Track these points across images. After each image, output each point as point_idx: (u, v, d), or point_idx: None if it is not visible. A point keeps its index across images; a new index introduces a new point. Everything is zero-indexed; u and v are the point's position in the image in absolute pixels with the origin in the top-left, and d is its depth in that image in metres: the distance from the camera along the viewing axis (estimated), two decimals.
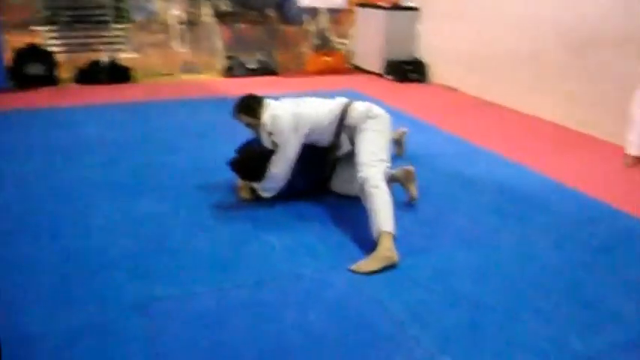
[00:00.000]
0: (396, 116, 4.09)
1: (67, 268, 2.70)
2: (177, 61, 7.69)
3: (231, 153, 3.56)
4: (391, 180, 3.45)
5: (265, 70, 7.79)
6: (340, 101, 3.55)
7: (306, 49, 8.34)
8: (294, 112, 3.42)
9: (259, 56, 7.85)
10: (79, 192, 3.60)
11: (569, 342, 2.27)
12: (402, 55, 7.75)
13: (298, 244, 3.03)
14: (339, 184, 3.67)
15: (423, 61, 7.68)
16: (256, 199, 3.54)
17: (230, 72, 7.61)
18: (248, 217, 3.33)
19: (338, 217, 3.37)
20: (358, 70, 8.38)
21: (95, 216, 3.26)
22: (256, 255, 2.90)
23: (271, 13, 8.13)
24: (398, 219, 2.98)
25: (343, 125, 3.44)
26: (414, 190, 3.61)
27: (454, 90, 7.15)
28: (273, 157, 3.42)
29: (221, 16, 7.87)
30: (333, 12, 8.42)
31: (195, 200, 3.55)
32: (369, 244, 2.92)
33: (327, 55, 8.27)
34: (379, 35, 7.76)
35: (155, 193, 3.62)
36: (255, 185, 3.54)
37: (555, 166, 4.40)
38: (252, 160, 3.55)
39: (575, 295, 2.62)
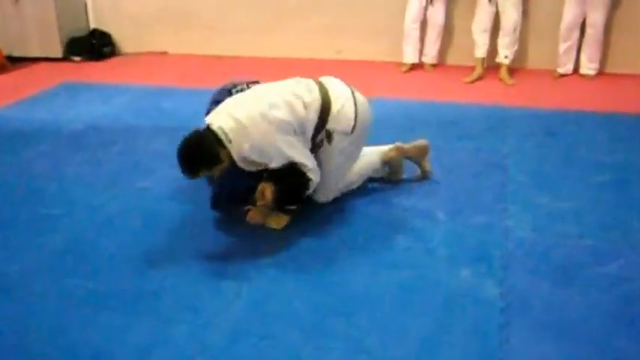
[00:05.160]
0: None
1: None
2: None
3: None
4: (403, 159, 3.57)
5: None
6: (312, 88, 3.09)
7: None
8: (271, 119, 2.87)
9: None
10: None
11: None
12: (78, 31, 7.09)
13: None
14: None
15: (105, 31, 7.22)
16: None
17: None
18: None
19: None
20: (23, 61, 6.99)
21: None
22: None
23: None
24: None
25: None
26: (427, 165, 3.66)
27: (164, 53, 7.14)
28: (298, 180, 3.03)
29: None
30: None
31: None
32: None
33: None
34: (46, 12, 6.79)
35: None
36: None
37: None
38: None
39: None
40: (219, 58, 6.87)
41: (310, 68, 6.37)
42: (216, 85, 3.61)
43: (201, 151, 2.82)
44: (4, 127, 4.95)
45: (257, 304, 2.62)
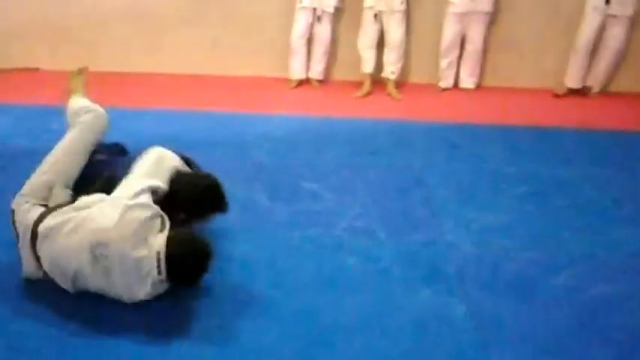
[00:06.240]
0: None
1: None
2: None
3: None
4: None
5: None
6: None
7: None
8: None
9: None
10: None
11: None
12: None
13: None
14: None
15: None
16: None
17: None
18: None
19: None
20: None
21: None
22: None
23: None
24: None
25: None
26: None
27: (35, 70, 6.73)
28: None
29: None
30: None
31: None
32: None
33: None
34: None
35: None
36: None
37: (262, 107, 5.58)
38: None
39: None
40: (100, 74, 6.44)
41: (194, 84, 6.19)
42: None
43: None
44: None
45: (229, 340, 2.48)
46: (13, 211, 2.77)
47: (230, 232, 3.27)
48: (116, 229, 2.43)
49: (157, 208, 2.56)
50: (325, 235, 3.27)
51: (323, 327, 2.56)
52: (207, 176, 2.92)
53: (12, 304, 2.68)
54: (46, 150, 3.05)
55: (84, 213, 2.56)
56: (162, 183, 2.76)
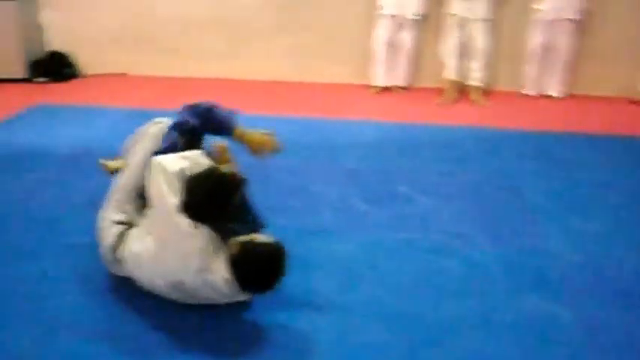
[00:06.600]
0: None
1: None
2: None
3: None
4: None
5: None
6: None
7: None
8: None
9: None
10: None
11: None
12: (37, 52, 6.78)
13: None
14: None
15: (64, 53, 6.91)
16: None
17: None
18: None
19: None
20: None
21: None
22: None
23: None
24: None
25: None
26: None
27: (123, 75, 6.95)
28: None
29: None
30: None
31: None
32: None
33: None
34: (7, 34, 6.46)
35: None
36: None
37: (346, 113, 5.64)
38: None
39: None
40: (183, 80, 6.63)
41: (277, 90, 6.30)
42: None
43: None
44: None
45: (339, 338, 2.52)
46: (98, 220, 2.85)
47: (328, 233, 3.33)
48: (183, 269, 2.43)
49: (205, 232, 2.44)
50: (424, 239, 3.29)
51: (429, 327, 2.58)
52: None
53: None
54: None
55: (152, 247, 2.55)
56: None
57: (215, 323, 2.58)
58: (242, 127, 2.96)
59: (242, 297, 2.53)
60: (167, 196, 2.50)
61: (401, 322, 2.61)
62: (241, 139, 2.96)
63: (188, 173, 2.54)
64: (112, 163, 3.40)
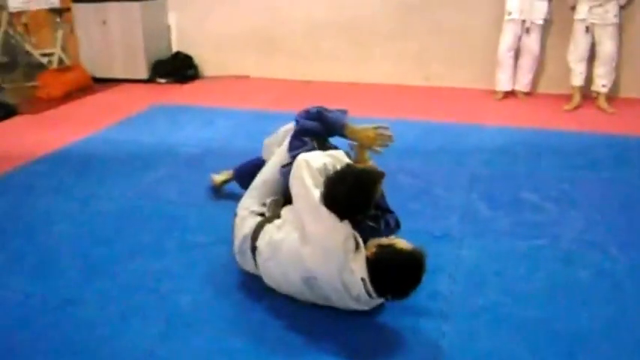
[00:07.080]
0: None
1: None
2: None
3: None
4: None
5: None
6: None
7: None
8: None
9: None
10: None
11: None
12: (162, 53, 7.16)
13: None
14: None
15: (188, 54, 7.23)
16: None
17: None
18: None
19: None
20: (106, 82, 7.01)
21: None
22: None
23: None
24: None
25: None
26: None
27: (246, 77, 7.13)
28: None
29: None
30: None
31: None
32: None
33: (65, 72, 6.76)
34: (132, 34, 6.87)
35: None
36: None
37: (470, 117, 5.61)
38: None
39: None
40: (306, 83, 6.81)
41: (400, 94, 6.34)
42: None
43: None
44: (115, 150, 4.86)
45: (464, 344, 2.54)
46: (235, 215, 3.00)
47: (452, 238, 3.36)
48: (323, 264, 2.47)
49: (347, 228, 2.48)
50: (552, 247, 3.25)
51: (560, 336, 2.56)
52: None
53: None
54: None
55: (287, 243, 2.62)
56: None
57: (343, 325, 2.62)
58: (352, 124, 3.02)
59: (372, 302, 2.57)
60: (311, 189, 2.57)
61: (527, 329, 2.60)
62: (354, 136, 3.02)
63: (331, 168, 2.64)
64: (219, 177, 3.71)
